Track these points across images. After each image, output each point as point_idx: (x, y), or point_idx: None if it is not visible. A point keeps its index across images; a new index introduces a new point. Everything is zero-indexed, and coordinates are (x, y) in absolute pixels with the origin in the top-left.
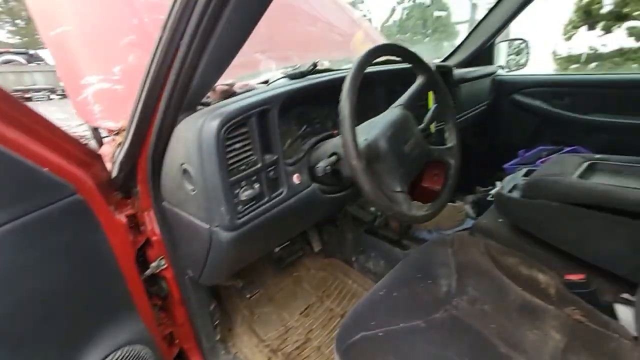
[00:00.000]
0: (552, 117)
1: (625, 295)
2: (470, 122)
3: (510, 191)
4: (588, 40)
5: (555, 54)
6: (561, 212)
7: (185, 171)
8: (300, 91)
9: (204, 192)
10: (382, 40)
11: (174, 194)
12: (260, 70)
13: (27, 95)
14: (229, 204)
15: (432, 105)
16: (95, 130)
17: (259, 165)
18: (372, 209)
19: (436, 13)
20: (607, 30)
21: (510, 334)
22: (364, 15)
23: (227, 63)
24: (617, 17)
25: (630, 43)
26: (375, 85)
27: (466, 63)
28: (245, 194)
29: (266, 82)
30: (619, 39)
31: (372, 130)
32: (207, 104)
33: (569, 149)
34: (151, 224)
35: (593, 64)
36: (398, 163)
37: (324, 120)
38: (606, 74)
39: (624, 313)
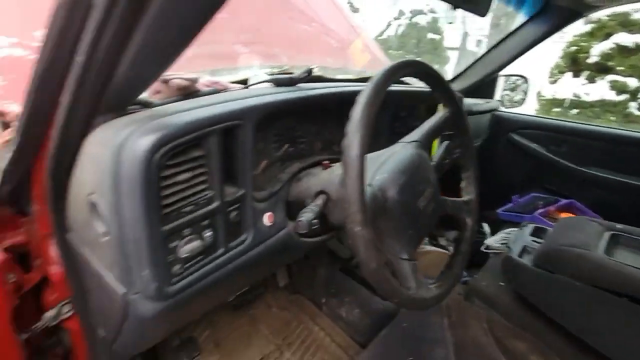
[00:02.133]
0: (547, 163)
1: None
2: None
3: (520, 255)
4: (572, 86)
5: (540, 95)
6: (585, 294)
7: (94, 205)
8: (288, 104)
9: (120, 242)
10: (380, 53)
11: (82, 230)
12: (238, 66)
13: None
14: (157, 266)
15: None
16: None
17: (215, 205)
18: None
19: (430, 35)
20: (591, 79)
21: None
22: None
23: (179, 47)
24: (601, 69)
25: (611, 96)
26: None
27: (466, 92)
28: (186, 250)
29: (244, 82)
30: (601, 89)
31: (377, 171)
32: (148, 104)
33: (565, 201)
34: (51, 257)
35: (575, 110)
36: (408, 222)
37: (312, 141)
38: (609, 127)
39: None
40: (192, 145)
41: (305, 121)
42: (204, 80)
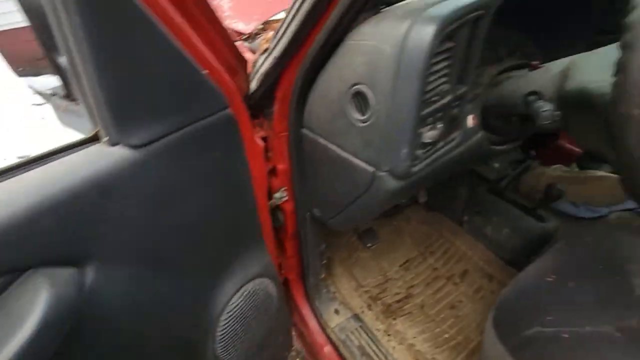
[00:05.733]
0: None
1: None
2: None
3: None
4: None
5: None
6: None
7: (357, 94)
8: None
9: (382, 126)
10: None
11: (326, 122)
12: None
13: None
14: (411, 146)
15: None
16: None
17: (448, 99)
18: (497, 165)
19: None
20: None
21: None
22: None
23: None
24: None
25: None
26: None
27: None
28: (429, 135)
29: None
30: None
31: None
32: (390, 3)
33: None
34: (281, 151)
35: None
36: None
37: (496, 45)
38: None
39: None
40: (449, 36)
41: (503, 25)
42: None
